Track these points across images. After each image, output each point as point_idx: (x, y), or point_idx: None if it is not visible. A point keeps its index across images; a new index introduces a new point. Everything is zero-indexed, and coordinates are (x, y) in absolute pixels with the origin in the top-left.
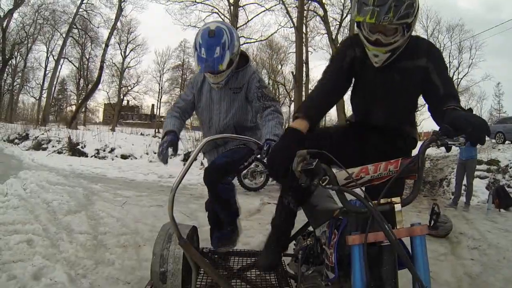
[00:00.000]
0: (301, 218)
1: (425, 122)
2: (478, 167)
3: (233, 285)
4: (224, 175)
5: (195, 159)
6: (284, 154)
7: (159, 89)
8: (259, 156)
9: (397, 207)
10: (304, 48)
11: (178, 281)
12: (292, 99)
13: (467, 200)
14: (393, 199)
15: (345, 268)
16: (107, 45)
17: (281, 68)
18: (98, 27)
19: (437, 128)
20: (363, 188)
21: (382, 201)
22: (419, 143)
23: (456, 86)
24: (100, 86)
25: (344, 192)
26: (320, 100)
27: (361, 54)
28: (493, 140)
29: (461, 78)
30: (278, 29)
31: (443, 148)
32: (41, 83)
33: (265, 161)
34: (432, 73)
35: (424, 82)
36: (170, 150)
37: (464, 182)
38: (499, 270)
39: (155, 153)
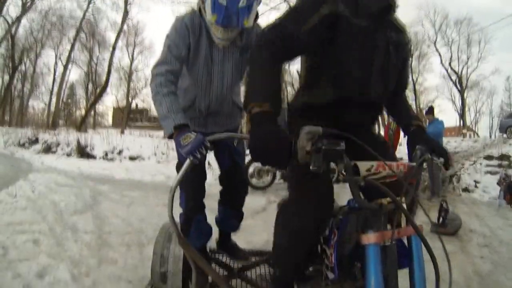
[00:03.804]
0: None
1: None
2: (489, 162)
3: (233, 285)
4: None
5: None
6: (273, 138)
7: None
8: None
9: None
10: None
11: (179, 281)
12: None
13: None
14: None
15: (345, 268)
16: (114, 49)
17: (288, 67)
18: (105, 31)
19: None
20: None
21: (384, 201)
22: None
23: (465, 81)
24: (108, 90)
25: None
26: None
27: (345, 11)
28: (504, 135)
29: (470, 73)
30: None
31: (453, 144)
32: (50, 88)
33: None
34: (409, 54)
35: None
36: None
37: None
38: (510, 268)
39: (163, 154)
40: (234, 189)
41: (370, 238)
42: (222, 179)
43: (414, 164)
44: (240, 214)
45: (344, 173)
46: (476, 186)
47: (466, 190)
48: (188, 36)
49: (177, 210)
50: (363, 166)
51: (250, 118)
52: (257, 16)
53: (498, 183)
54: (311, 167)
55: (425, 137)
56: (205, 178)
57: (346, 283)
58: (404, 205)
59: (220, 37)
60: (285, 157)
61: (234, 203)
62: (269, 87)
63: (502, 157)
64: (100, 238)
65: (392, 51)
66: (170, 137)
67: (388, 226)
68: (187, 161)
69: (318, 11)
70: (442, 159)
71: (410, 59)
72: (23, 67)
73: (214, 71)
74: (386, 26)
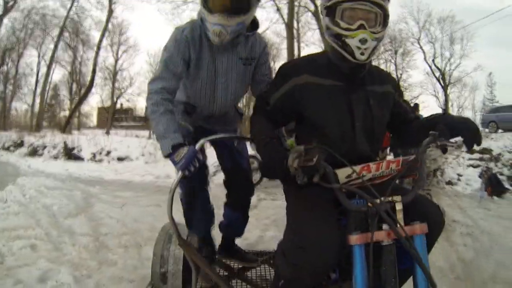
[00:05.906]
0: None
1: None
2: (471, 156)
3: (233, 285)
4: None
5: None
6: (279, 162)
7: None
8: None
9: (398, 205)
10: (296, 43)
11: (179, 281)
12: None
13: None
14: (394, 198)
15: (344, 268)
16: (99, 48)
17: (274, 64)
18: (89, 30)
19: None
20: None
21: (383, 199)
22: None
23: (448, 78)
24: (93, 90)
25: (343, 191)
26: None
27: (313, 78)
28: (486, 130)
29: (453, 70)
30: (269, 26)
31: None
32: (33, 89)
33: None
34: (399, 99)
35: (393, 107)
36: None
37: None
38: (491, 255)
39: (151, 154)
40: (238, 191)
41: (354, 239)
42: (226, 181)
43: (412, 157)
44: (245, 218)
45: (322, 183)
46: (459, 179)
47: (449, 183)
48: (188, 49)
49: (177, 212)
50: (343, 172)
51: (261, 146)
52: (257, 25)
53: (479, 176)
54: (297, 181)
55: (446, 119)
56: (206, 168)
57: (346, 283)
58: (401, 204)
59: (216, 22)
60: (282, 171)
61: (238, 205)
62: (270, 130)
63: (484, 151)
64: (97, 240)
65: (373, 104)
66: (167, 156)
67: (385, 226)
68: (179, 174)
69: (280, 89)
70: (460, 141)
71: (402, 97)
72: (4, 68)
73: (218, 83)
74: (364, 83)
